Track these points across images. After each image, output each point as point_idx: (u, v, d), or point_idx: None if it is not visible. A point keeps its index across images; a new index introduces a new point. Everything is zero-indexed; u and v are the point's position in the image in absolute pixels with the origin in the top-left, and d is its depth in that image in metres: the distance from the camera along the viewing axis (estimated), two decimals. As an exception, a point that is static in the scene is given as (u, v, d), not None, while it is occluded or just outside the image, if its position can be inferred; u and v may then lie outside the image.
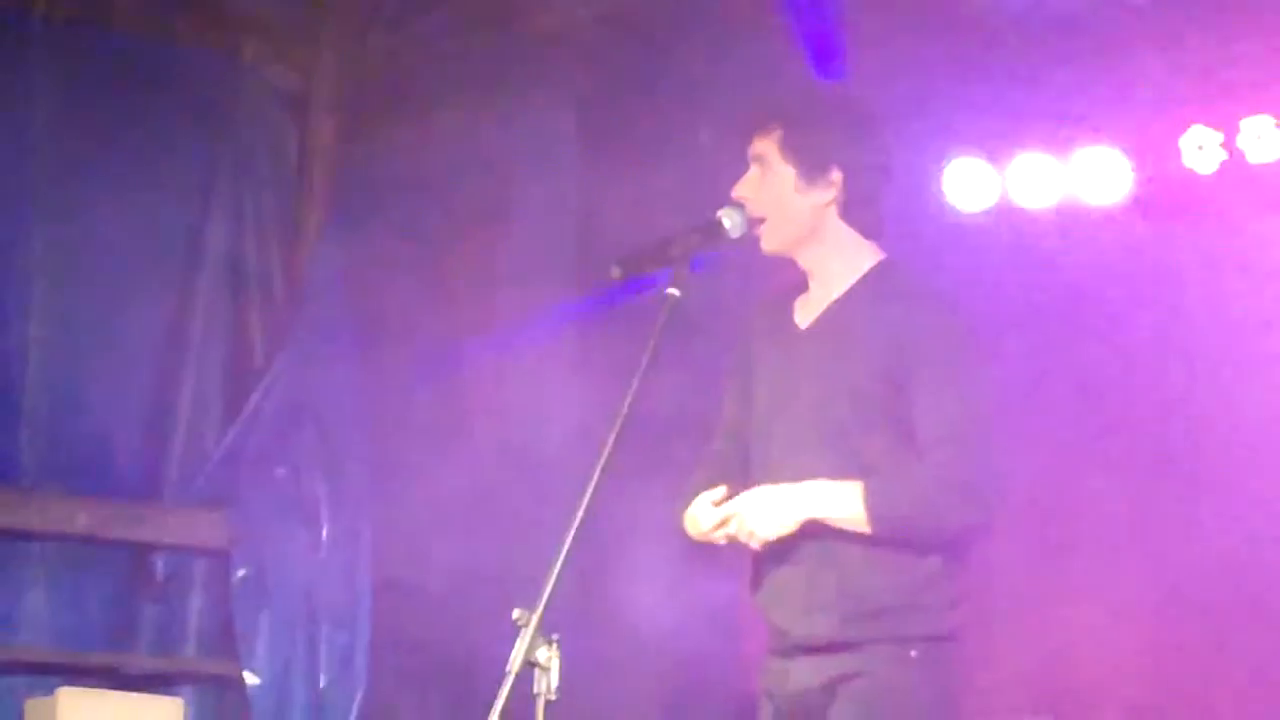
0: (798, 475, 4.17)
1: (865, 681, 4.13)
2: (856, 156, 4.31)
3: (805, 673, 4.19)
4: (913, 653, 4.13)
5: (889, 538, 4.09)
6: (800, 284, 4.39)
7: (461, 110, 7.40)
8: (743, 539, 4.14)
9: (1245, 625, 6.77)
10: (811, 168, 4.28)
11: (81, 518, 6.88)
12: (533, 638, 3.72)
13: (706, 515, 4.18)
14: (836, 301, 4.32)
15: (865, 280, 4.31)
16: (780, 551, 4.20)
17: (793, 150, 4.28)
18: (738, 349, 4.47)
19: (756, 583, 4.30)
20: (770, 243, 4.33)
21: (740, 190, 4.32)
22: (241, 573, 7.01)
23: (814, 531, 4.16)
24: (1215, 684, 6.82)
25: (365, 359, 7.29)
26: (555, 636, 3.73)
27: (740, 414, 4.42)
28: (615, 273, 4.16)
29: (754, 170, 4.33)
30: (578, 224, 7.63)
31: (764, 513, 4.13)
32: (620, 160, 7.50)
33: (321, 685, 7.01)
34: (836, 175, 4.28)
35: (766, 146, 4.31)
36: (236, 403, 7.22)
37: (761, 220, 4.30)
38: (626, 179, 7.39)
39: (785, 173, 4.29)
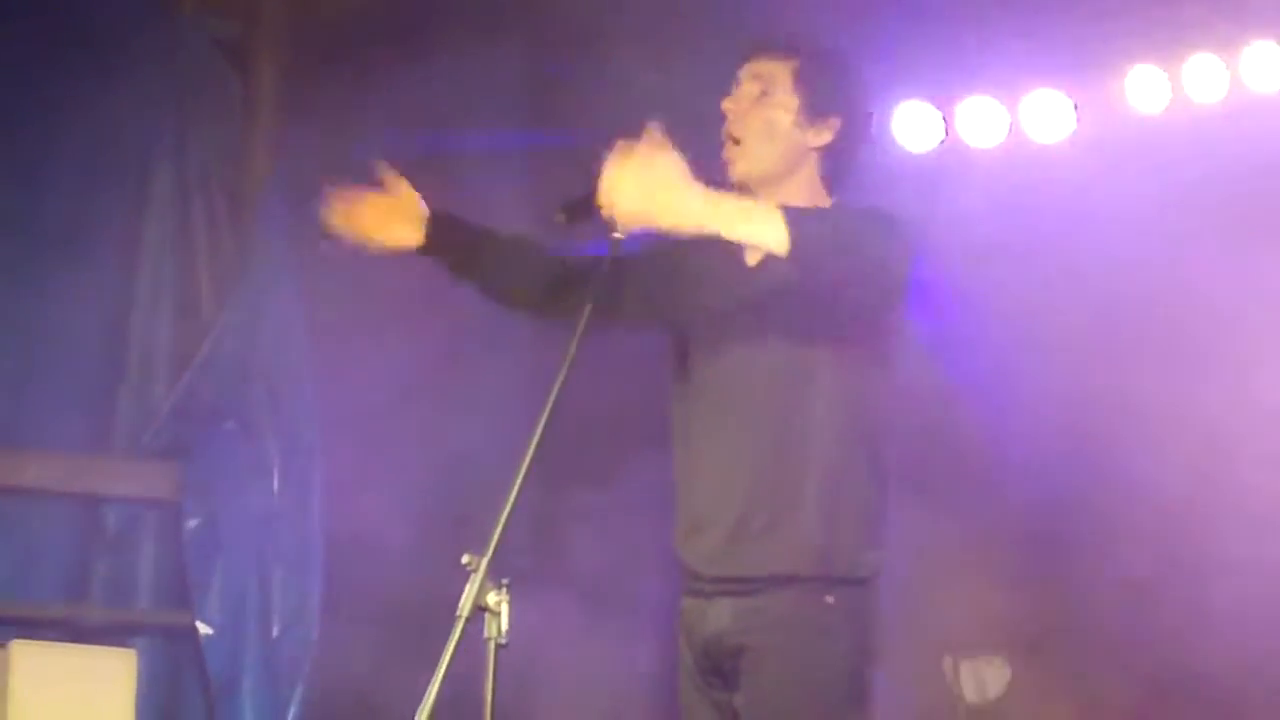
0: (732, 409, 4.15)
1: (782, 629, 4.09)
2: (855, 112, 4.25)
3: (724, 615, 4.15)
4: (829, 599, 4.07)
5: (802, 262, 3.86)
6: None
7: (407, 56, 7.36)
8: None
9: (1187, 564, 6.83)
10: (817, 106, 4.19)
11: (31, 471, 6.86)
12: (482, 582, 3.73)
13: None
14: None
15: None
16: (695, 491, 4.19)
17: (806, 83, 4.19)
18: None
19: (677, 523, 4.25)
20: (744, 166, 4.21)
21: (731, 103, 4.21)
22: (193, 524, 7.00)
23: (729, 464, 4.13)
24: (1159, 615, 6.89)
25: (314, 308, 7.27)
26: (505, 581, 3.74)
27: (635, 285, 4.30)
28: (559, 218, 4.12)
29: (750, 88, 4.21)
30: (527, 170, 7.61)
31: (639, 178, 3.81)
32: (569, 106, 7.49)
33: (275, 634, 7.01)
34: (835, 122, 4.20)
35: (777, 69, 4.20)
36: (185, 355, 7.19)
37: (737, 141, 4.21)
38: (575, 124, 7.38)
39: (790, 103, 4.19)
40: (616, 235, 4.06)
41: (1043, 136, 7.12)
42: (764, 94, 4.20)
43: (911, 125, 7.37)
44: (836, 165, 4.26)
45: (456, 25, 7.31)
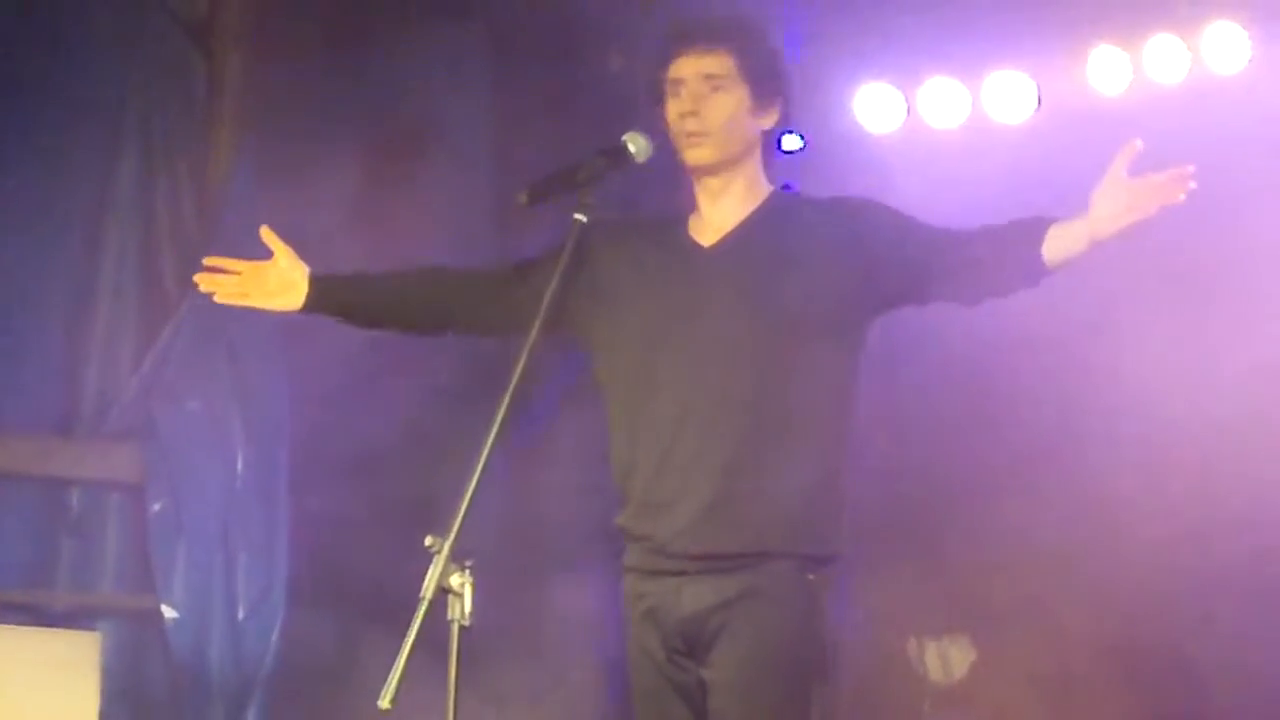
0: (708, 386, 4.19)
1: (765, 604, 4.14)
2: (789, 94, 4.41)
3: (706, 593, 4.17)
4: (811, 576, 4.16)
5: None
6: (677, 212, 4.39)
7: (372, 38, 7.36)
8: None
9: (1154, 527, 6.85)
10: (763, 91, 4.34)
11: (-6, 453, 6.87)
12: (445, 564, 3.74)
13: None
14: (745, 223, 4.34)
15: (769, 205, 4.36)
16: (654, 468, 4.22)
17: (749, 71, 4.32)
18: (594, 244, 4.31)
19: (623, 498, 4.28)
20: (714, 153, 4.31)
21: (688, 104, 4.29)
22: (157, 506, 7.00)
23: (703, 441, 4.17)
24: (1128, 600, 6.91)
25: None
26: (469, 562, 3.75)
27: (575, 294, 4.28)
28: (522, 199, 4.17)
29: (698, 87, 4.30)
30: (493, 151, 7.62)
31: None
32: (533, 87, 7.48)
33: (240, 617, 7.01)
34: (778, 103, 4.37)
35: (721, 63, 4.30)
36: (150, 336, 7.19)
37: (703, 135, 4.29)
38: (540, 106, 7.38)
39: (740, 91, 4.32)
40: (577, 217, 4.11)
41: (1005, 117, 7.14)
42: (716, 88, 4.31)
43: (874, 107, 7.40)
44: (772, 143, 4.42)
45: (421, 6, 7.30)
